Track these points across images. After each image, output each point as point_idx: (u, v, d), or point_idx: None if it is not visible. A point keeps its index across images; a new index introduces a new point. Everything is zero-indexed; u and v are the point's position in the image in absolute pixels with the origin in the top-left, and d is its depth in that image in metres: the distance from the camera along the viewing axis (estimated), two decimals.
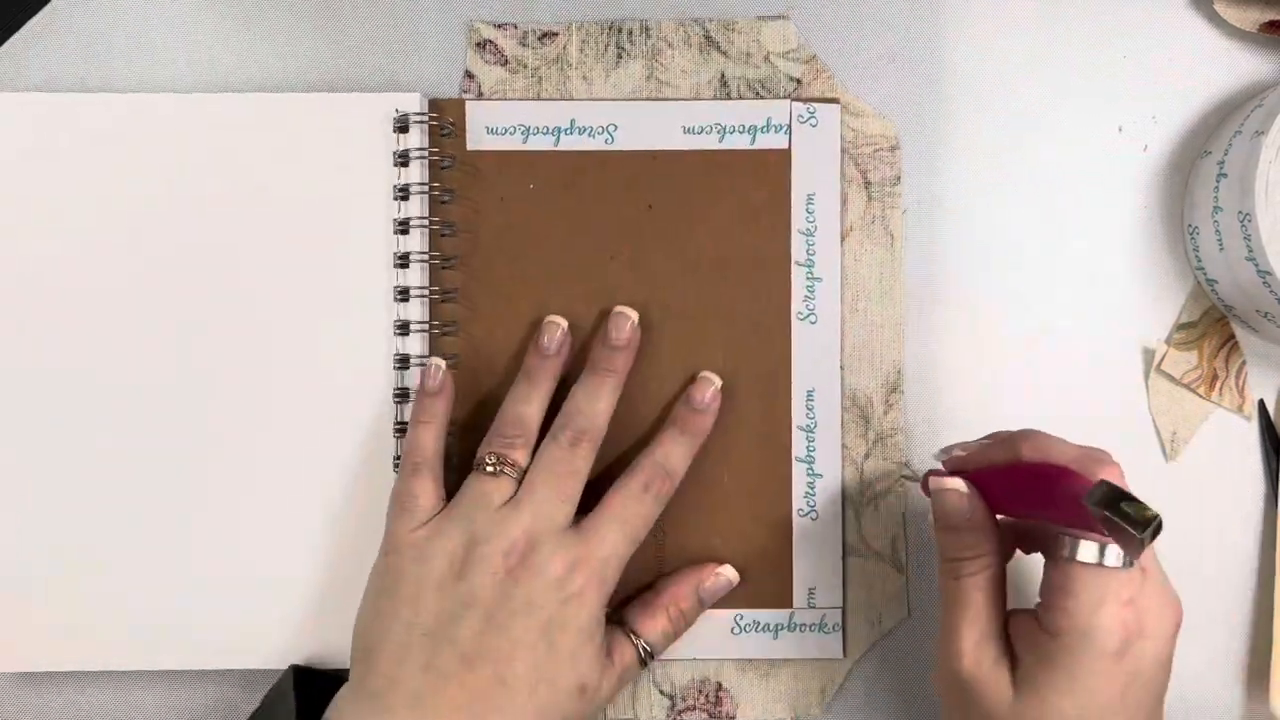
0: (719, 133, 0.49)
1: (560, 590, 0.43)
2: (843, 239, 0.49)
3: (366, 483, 0.48)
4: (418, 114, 0.48)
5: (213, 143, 0.48)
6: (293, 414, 0.48)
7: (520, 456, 0.45)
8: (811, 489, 0.49)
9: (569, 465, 0.45)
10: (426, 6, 0.50)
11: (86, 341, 0.48)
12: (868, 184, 0.50)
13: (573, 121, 0.49)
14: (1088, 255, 0.50)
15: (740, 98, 0.50)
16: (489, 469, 0.45)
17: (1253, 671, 0.50)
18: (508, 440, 0.45)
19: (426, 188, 0.48)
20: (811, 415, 0.49)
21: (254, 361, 0.48)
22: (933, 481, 0.43)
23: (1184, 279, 0.50)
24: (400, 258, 0.48)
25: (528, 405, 0.46)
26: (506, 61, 0.50)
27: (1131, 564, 0.38)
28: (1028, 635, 0.40)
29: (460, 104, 0.49)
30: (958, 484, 0.42)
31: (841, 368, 0.49)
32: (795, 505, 0.49)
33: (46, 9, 0.50)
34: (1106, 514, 0.35)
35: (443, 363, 0.47)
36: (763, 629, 0.49)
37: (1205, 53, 0.50)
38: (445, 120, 0.49)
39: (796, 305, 0.49)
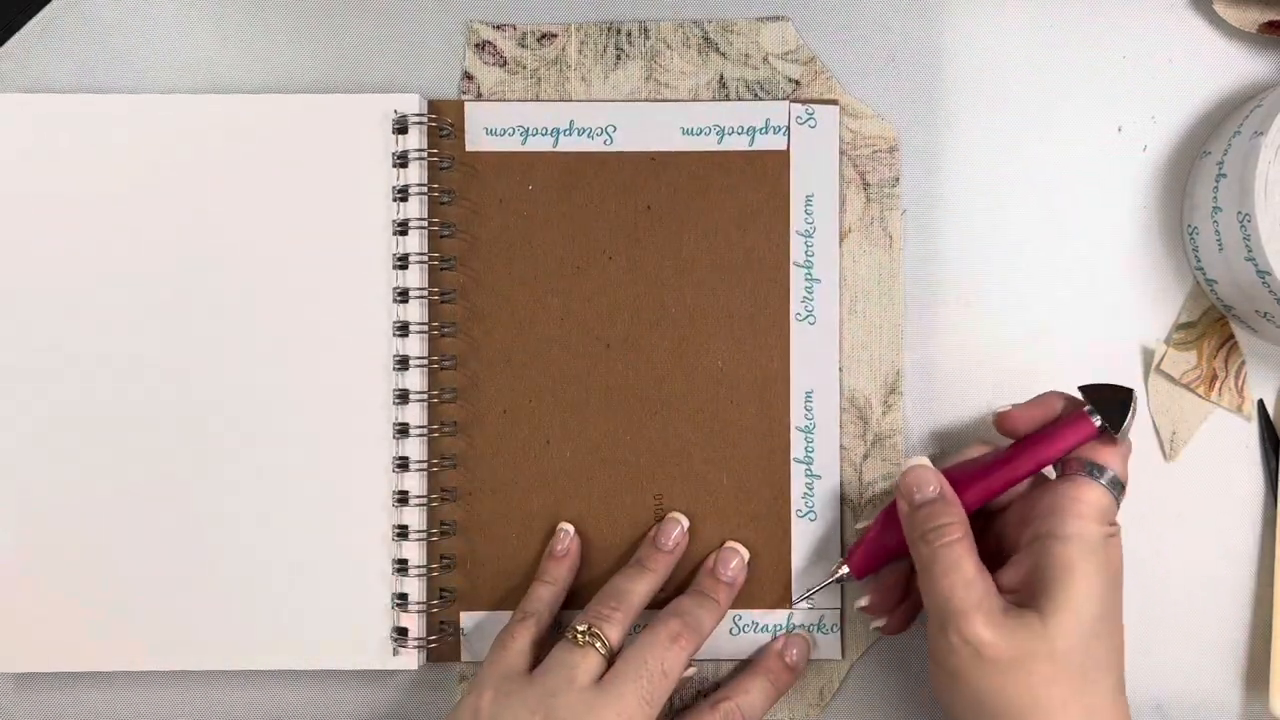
0: (718, 134, 0.49)
1: None
2: (841, 240, 0.49)
3: (363, 484, 0.48)
4: (416, 115, 0.48)
5: (210, 144, 0.48)
6: (291, 414, 0.48)
7: (614, 633, 0.45)
8: (810, 490, 0.49)
9: (663, 665, 0.44)
10: (425, 7, 0.50)
11: (83, 342, 0.48)
12: (866, 185, 0.50)
13: (571, 122, 0.49)
14: (1087, 255, 0.50)
15: (739, 99, 0.50)
16: (579, 638, 0.44)
17: (1252, 671, 0.50)
18: (604, 613, 0.45)
19: (425, 189, 0.48)
20: (810, 416, 0.49)
21: (253, 362, 0.48)
22: (902, 474, 0.44)
23: (1183, 279, 0.50)
24: (399, 259, 0.48)
25: (633, 584, 0.46)
26: (505, 62, 0.50)
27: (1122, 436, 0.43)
28: (1022, 568, 0.42)
29: (459, 105, 0.49)
30: (920, 460, 0.44)
31: (840, 369, 0.49)
32: (794, 506, 0.49)
33: (46, 9, 0.50)
34: (1094, 397, 0.43)
35: (571, 529, 0.48)
36: (761, 629, 0.49)
37: (1205, 53, 0.50)
38: (444, 121, 0.49)
39: (795, 306, 0.49)
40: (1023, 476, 0.44)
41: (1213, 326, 0.50)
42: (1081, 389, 0.43)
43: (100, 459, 0.48)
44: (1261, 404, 0.50)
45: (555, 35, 0.50)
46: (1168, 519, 0.50)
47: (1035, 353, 0.50)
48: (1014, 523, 0.45)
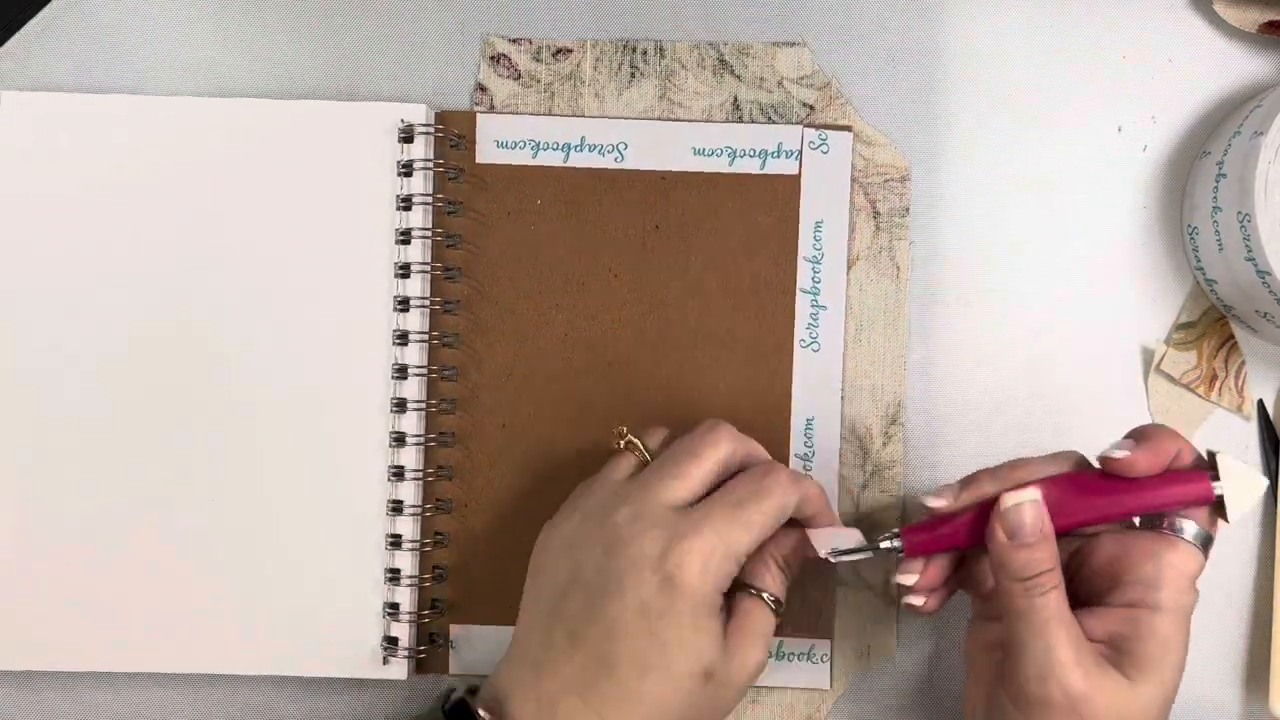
0: (729, 155, 0.49)
1: (654, 571, 0.40)
2: (849, 268, 0.49)
3: (358, 492, 0.48)
4: (423, 125, 0.48)
5: (215, 147, 0.48)
6: (288, 420, 0.48)
7: (654, 441, 0.45)
8: None
9: (693, 448, 0.43)
10: (442, 17, 0.50)
11: (81, 344, 0.48)
12: (876, 214, 0.49)
13: (583, 139, 0.49)
14: (1088, 255, 0.50)
15: (753, 122, 0.49)
16: (617, 445, 0.44)
17: (1252, 671, 0.49)
18: (652, 433, 0.45)
19: (429, 198, 0.48)
20: (810, 444, 0.49)
21: (251, 365, 0.48)
22: (1005, 497, 0.41)
23: (1183, 279, 0.50)
24: (401, 268, 0.48)
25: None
26: (520, 76, 0.50)
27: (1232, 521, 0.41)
28: (1112, 626, 0.41)
29: (471, 116, 0.49)
30: (1033, 494, 0.41)
31: (842, 397, 0.49)
32: None
33: (46, 9, 0.50)
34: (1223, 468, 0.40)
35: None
36: None
37: (1205, 53, 0.50)
38: (453, 132, 0.49)
39: (800, 332, 0.49)
40: (1121, 518, 0.42)
41: (1213, 326, 0.49)
42: (1211, 454, 0.41)
43: (98, 460, 0.48)
44: (1261, 404, 0.49)
45: (570, 51, 0.50)
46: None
47: (1035, 353, 0.50)
48: (1098, 569, 0.42)
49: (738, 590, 0.43)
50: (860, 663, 0.48)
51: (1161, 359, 0.49)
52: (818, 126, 0.49)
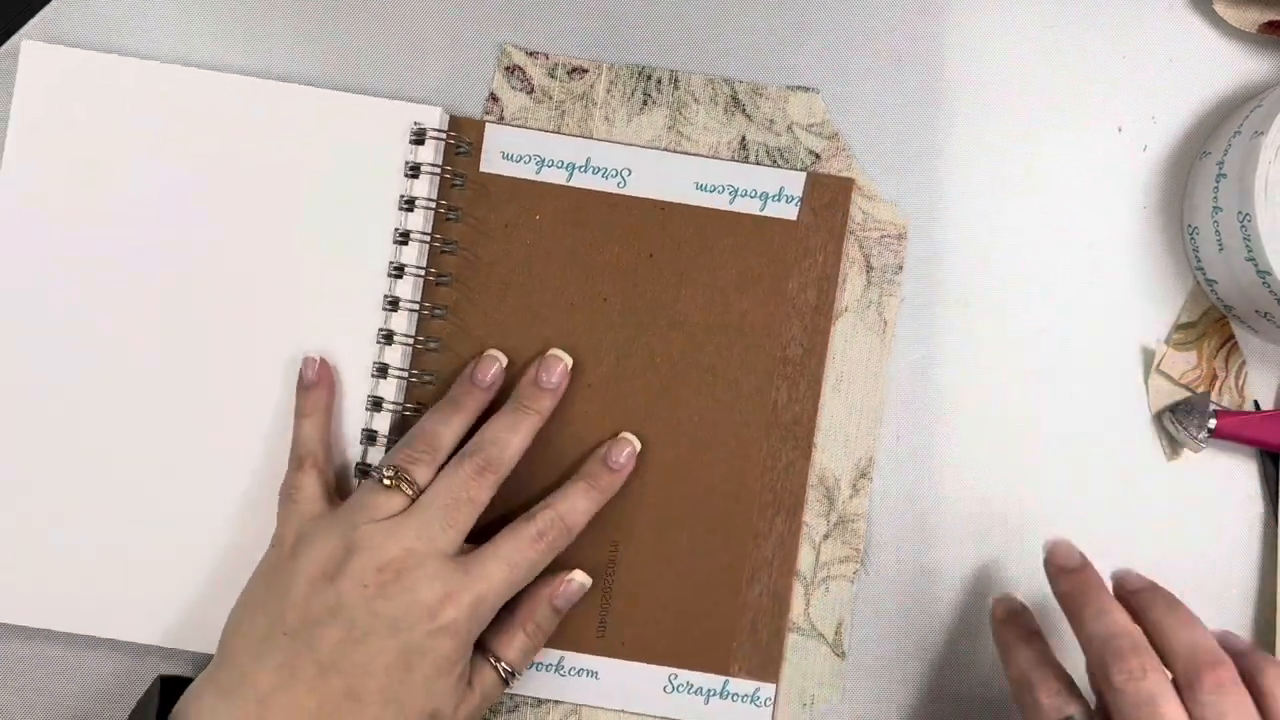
0: (731, 193, 0.49)
1: (430, 619, 0.42)
2: (836, 318, 0.49)
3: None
4: (436, 129, 0.48)
5: (229, 120, 0.48)
6: (260, 405, 0.48)
7: (422, 475, 0.44)
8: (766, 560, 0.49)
9: (467, 493, 0.44)
10: (459, 20, 0.50)
11: (82, 300, 0.48)
12: (869, 268, 0.50)
13: (588, 160, 0.49)
14: (1088, 255, 0.50)
15: (758, 163, 0.50)
16: (385, 480, 0.44)
17: None
18: (414, 455, 0.45)
19: (432, 203, 0.48)
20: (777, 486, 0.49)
21: (237, 344, 0.48)
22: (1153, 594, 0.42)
23: (1183, 279, 0.50)
24: (396, 268, 0.48)
25: (445, 426, 0.46)
26: (532, 90, 0.50)
27: None
28: None
29: (480, 125, 0.49)
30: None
31: (814, 445, 0.49)
32: (746, 573, 0.49)
33: (46, 9, 0.49)
34: None
35: (319, 357, 0.47)
36: (695, 691, 0.49)
37: (1205, 53, 0.50)
38: (463, 139, 0.49)
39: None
40: None
41: (1213, 326, 0.50)
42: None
43: (98, 419, 0.48)
44: (1257, 405, 0.50)
45: (586, 71, 0.50)
46: (1168, 519, 0.50)
47: (1035, 353, 0.50)
48: None
49: (479, 651, 0.45)
50: (804, 711, 0.49)
51: (1161, 359, 0.50)
52: (822, 175, 0.49)
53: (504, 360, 0.48)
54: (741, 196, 0.49)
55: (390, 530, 0.43)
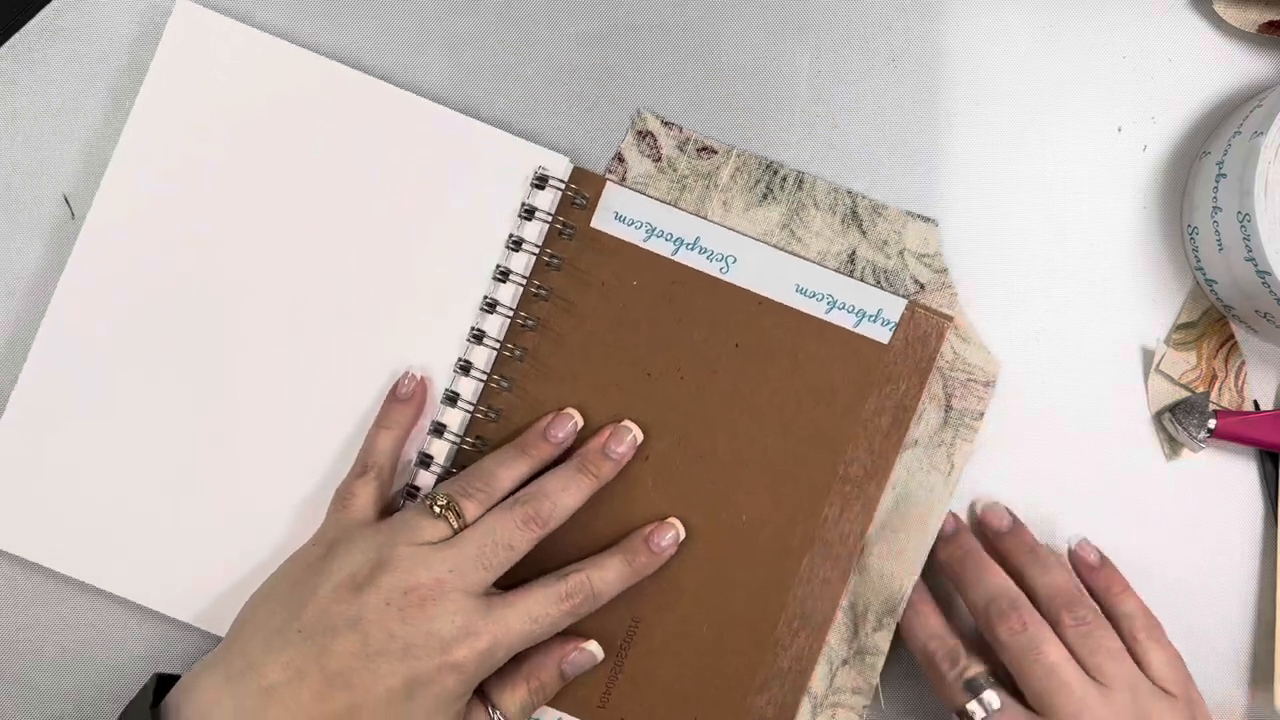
0: (829, 303, 0.49)
1: (442, 653, 0.42)
2: (904, 449, 0.49)
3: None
4: (558, 179, 0.48)
5: (360, 122, 0.49)
6: (343, 420, 0.49)
7: (471, 510, 0.44)
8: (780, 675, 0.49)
9: (509, 539, 0.44)
10: (610, 76, 0.50)
11: (185, 270, 0.49)
12: (949, 408, 0.49)
13: (698, 238, 0.49)
14: (1088, 255, 0.50)
15: (862, 279, 0.50)
16: (436, 507, 0.44)
17: (1256, 671, 0.49)
18: (468, 490, 0.45)
19: (538, 249, 0.49)
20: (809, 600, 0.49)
21: (324, 344, 0.49)
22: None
23: (1183, 279, 0.50)
24: (489, 303, 0.48)
25: (505, 469, 0.46)
26: (659, 158, 0.50)
27: None
28: None
29: (601, 181, 0.50)
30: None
31: (853, 569, 0.49)
32: (756, 680, 0.48)
33: (46, 9, 0.50)
34: None
35: (419, 375, 0.48)
36: None
37: (1205, 53, 0.50)
38: (582, 192, 0.49)
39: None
40: None
41: (1213, 326, 0.50)
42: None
43: (183, 393, 0.49)
44: (1257, 405, 0.50)
45: (715, 152, 0.50)
46: (1168, 519, 0.50)
47: (1035, 353, 0.50)
48: None
49: (476, 695, 0.44)
50: None
51: (1161, 359, 0.49)
52: (923, 307, 0.49)
53: (579, 422, 0.48)
54: (838, 309, 0.49)
55: (426, 556, 0.43)
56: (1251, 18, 0.49)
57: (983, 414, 0.49)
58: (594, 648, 0.47)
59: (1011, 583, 0.46)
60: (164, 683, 0.44)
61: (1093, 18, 0.50)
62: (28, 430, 0.48)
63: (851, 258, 0.50)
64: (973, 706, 0.44)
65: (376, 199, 0.49)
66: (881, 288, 0.50)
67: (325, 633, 0.42)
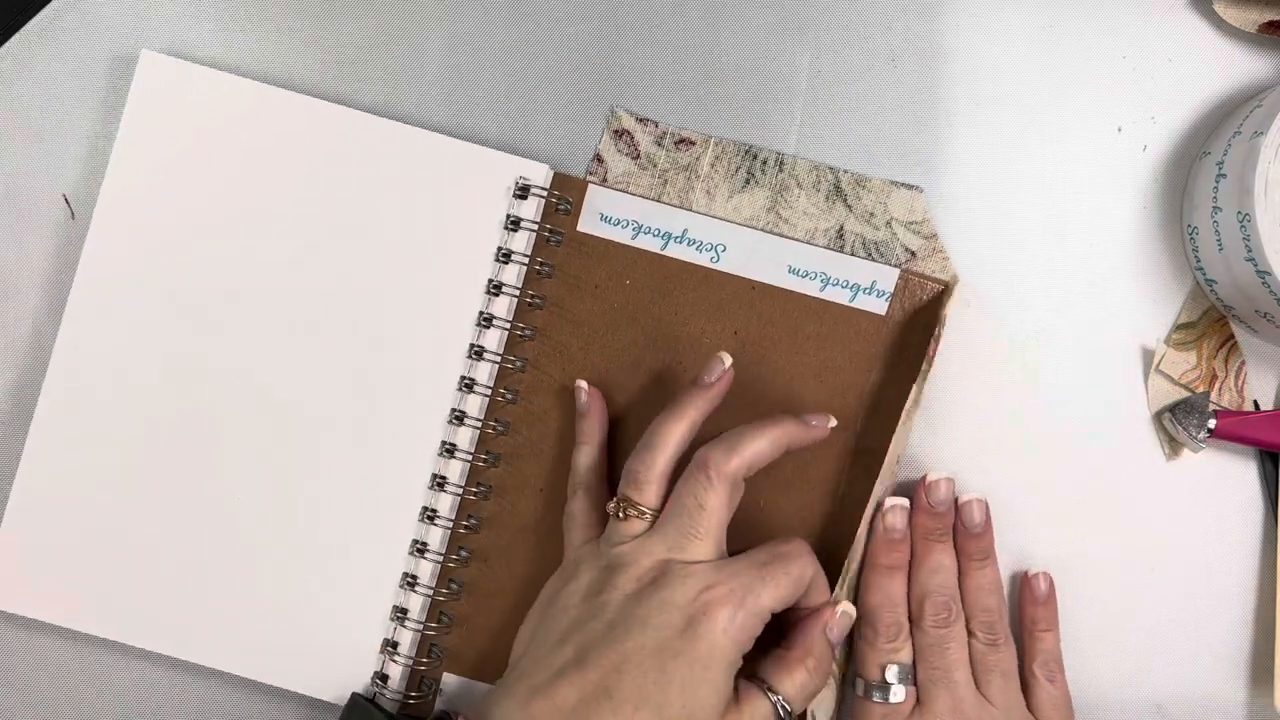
0: (822, 281, 0.49)
1: (681, 615, 0.42)
2: (905, 418, 0.49)
3: (391, 524, 0.48)
4: (540, 187, 0.48)
5: (335, 151, 0.48)
6: (344, 443, 0.48)
7: (648, 497, 0.45)
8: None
9: (698, 500, 0.44)
10: (579, 79, 0.50)
11: (172, 313, 0.49)
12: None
13: (685, 231, 0.49)
14: (1088, 255, 0.50)
15: (853, 254, 0.50)
16: (619, 514, 0.45)
17: (1256, 670, 0.49)
18: (636, 481, 0.45)
19: (527, 258, 0.48)
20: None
21: (318, 372, 0.48)
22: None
23: (1183, 279, 0.50)
24: (485, 318, 0.48)
25: (664, 436, 0.45)
26: (638, 156, 0.50)
27: None
28: None
29: (583, 185, 0.49)
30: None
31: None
32: None
33: (46, 9, 0.50)
34: None
35: (584, 384, 0.49)
36: None
37: (1205, 53, 0.50)
38: (564, 198, 0.49)
39: (839, 478, 0.49)
40: None
41: (1213, 326, 0.50)
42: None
43: (178, 442, 0.49)
44: (1257, 405, 0.50)
45: (693, 143, 0.50)
46: (1168, 519, 0.50)
47: (1035, 353, 0.50)
48: None
49: (754, 680, 0.44)
50: None
51: (1161, 359, 0.49)
52: (916, 275, 0.49)
53: (728, 360, 0.47)
54: (832, 285, 0.49)
55: (640, 546, 0.44)
56: (1251, 18, 0.49)
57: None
58: (847, 607, 0.47)
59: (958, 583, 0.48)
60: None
61: (1093, 18, 0.50)
62: (40, 505, 0.48)
63: (840, 233, 0.50)
64: (881, 690, 0.47)
65: (360, 226, 0.48)
66: (873, 260, 0.50)
67: (577, 628, 0.42)
